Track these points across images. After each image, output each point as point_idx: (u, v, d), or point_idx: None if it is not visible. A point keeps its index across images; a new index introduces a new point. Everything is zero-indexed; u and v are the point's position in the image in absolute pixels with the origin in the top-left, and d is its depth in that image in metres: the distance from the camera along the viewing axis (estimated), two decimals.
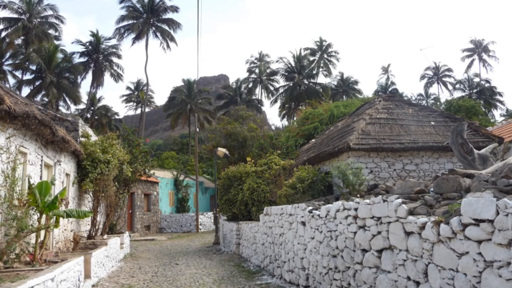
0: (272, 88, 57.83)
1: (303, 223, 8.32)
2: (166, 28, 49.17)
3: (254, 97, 58.21)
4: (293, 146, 20.99)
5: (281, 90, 54.15)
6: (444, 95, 72.25)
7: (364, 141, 11.69)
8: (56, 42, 43.15)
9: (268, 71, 60.09)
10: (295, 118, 40.86)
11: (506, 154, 11.66)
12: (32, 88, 40.83)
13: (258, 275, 10.44)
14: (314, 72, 53.40)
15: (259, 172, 15.31)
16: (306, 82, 51.54)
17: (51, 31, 43.18)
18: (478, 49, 60.96)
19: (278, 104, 54.72)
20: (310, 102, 33.27)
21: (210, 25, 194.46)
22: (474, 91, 51.59)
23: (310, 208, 8.13)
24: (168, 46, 49.30)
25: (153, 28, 49.36)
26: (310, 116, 24.17)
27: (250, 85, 58.94)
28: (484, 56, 61.08)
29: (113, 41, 56.48)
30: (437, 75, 63.34)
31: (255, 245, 12.41)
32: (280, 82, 55.82)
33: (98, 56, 47.07)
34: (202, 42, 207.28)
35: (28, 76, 41.41)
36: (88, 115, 49.29)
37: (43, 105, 26.56)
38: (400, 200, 5.05)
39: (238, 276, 10.42)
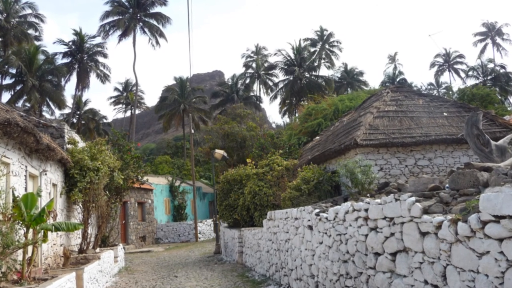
0: (271, 83, 57.81)
1: (310, 227, 8.33)
2: (155, 23, 49.24)
3: (252, 94, 58.26)
4: (296, 145, 21.00)
5: (280, 85, 54.11)
6: (457, 84, 72.53)
7: (372, 136, 11.70)
8: (37, 43, 43.19)
9: (266, 65, 60.09)
10: (297, 115, 40.95)
11: None
12: (12, 93, 40.92)
13: (263, 285, 10.45)
14: (316, 64, 53.40)
15: (260, 174, 15.33)
16: (308, 75, 51.51)
17: (30, 31, 43.21)
18: (491, 33, 60.98)
19: (278, 100, 54.76)
20: (312, 97, 33.25)
21: (202, 17, 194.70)
22: (489, 77, 51.66)
23: (317, 210, 8.13)
24: (157, 42, 49.43)
25: (141, 23, 49.42)
26: (313, 111, 24.16)
27: (247, 81, 58.98)
28: (498, 40, 61.14)
29: (98, 39, 56.53)
30: (448, 62, 63.36)
31: (259, 253, 12.42)
32: (280, 76, 55.81)
33: (83, 56, 47.11)
34: (194, 36, 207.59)
35: (8, 81, 41.55)
36: (74, 120, 49.36)
37: (25, 111, 26.55)
38: (413, 199, 5.05)
39: (242, 287, 10.43)
